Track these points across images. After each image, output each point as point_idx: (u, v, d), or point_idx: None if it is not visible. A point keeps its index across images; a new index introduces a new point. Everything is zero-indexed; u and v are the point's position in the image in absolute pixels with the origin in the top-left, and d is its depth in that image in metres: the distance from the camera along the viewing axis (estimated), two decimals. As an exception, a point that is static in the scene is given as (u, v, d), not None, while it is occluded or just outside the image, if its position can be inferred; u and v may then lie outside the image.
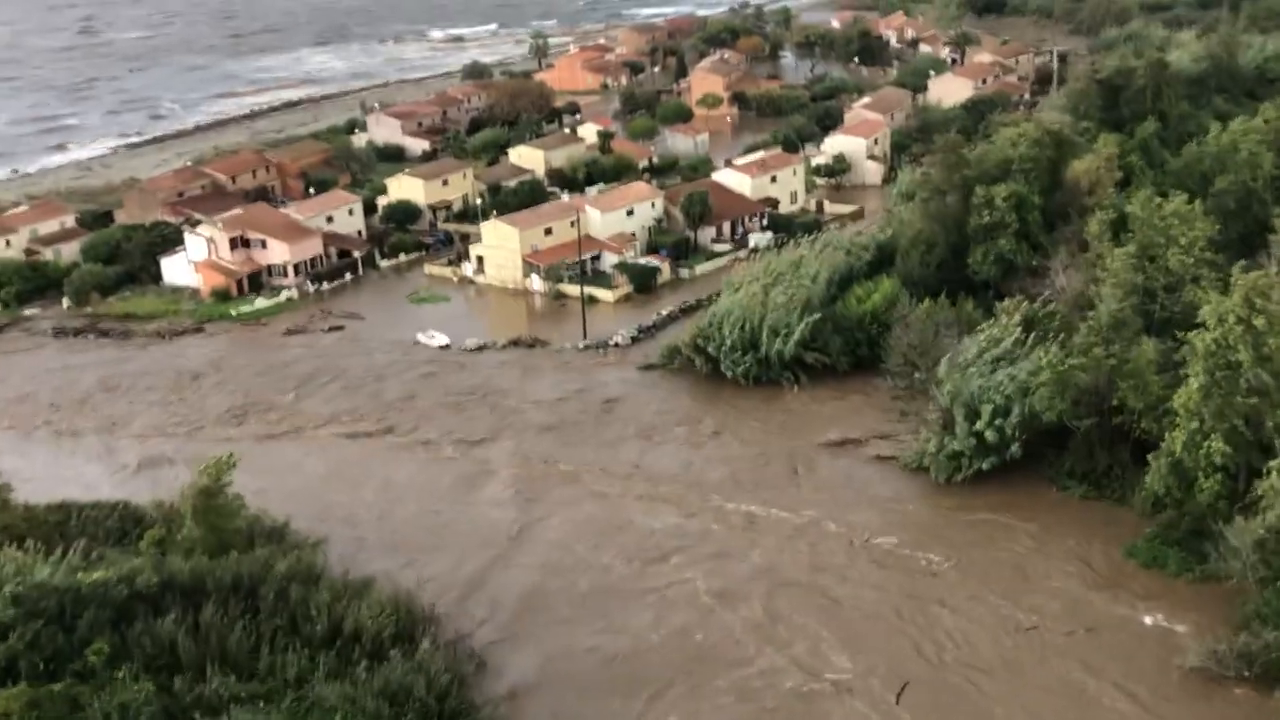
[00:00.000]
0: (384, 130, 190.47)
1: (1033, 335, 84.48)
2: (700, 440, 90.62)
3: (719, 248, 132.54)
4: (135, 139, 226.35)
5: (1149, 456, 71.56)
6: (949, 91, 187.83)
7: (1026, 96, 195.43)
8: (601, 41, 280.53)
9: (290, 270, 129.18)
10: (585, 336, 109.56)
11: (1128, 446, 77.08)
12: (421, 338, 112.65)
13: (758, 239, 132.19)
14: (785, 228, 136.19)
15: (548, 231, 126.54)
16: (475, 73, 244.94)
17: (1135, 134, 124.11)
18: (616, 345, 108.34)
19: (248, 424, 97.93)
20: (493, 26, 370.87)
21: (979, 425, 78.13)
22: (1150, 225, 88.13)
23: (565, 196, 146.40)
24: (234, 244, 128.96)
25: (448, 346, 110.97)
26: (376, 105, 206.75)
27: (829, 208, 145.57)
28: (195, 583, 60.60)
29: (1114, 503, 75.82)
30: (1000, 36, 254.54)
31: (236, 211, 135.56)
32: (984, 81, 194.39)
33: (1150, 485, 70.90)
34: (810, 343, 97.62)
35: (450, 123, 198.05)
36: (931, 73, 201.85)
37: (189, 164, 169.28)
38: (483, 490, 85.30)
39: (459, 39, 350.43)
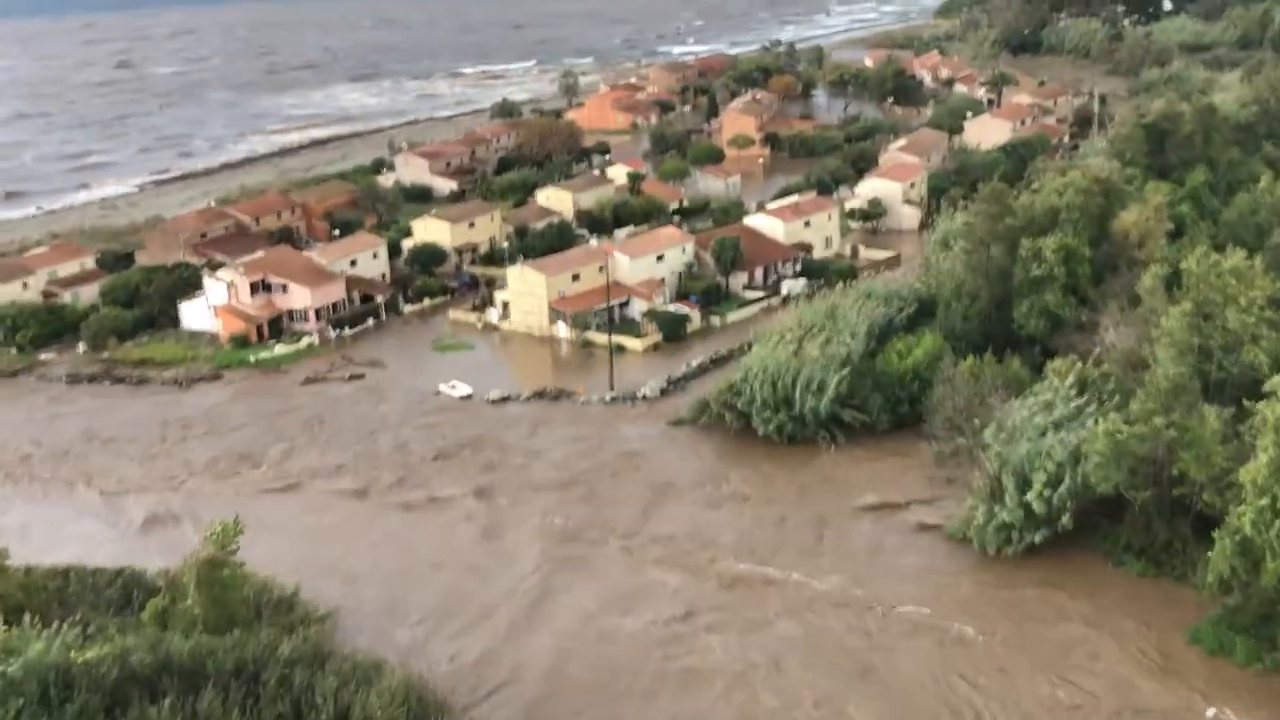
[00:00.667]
0: (411, 170, 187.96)
1: (1086, 398, 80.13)
2: (727, 501, 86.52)
3: (751, 294, 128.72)
4: (162, 176, 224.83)
5: (1213, 533, 66.94)
6: (987, 133, 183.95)
7: (1066, 139, 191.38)
8: (632, 80, 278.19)
9: (312, 315, 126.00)
10: (612, 388, 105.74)
11: (1189, 520, 72.53)
12: (444, 388, 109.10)
13: (791, 286, 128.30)
14: (819, 274, 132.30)
15: (575, 277, 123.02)
16: (505, 111, 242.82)
17: (1185, 182, 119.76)
18: (644, 398, 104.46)
19: (259, 478, 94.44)
20: (530, 63, 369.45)
21: (1029, 496, 73.74)
22: (1206, 282, 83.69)
23: (593, 240, 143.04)
24: (254, 288, 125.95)
25: (470, 397, 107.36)
26: (404, 145, 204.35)
27: (864, 253, 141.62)
28: (195, 664, 56.74)
29: (1174, 581, 71.16)
30: (1037, 77, 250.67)
31: (258, 255, 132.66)
32: (1022, 123, 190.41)
33: (1215, 564, 66.18)
34: (848, 400, 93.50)
35: (478, 163, 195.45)
36: (969, 114, 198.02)
37: (213, 204, 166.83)
38: (499, 553, 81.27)
39: (493, 75, 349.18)
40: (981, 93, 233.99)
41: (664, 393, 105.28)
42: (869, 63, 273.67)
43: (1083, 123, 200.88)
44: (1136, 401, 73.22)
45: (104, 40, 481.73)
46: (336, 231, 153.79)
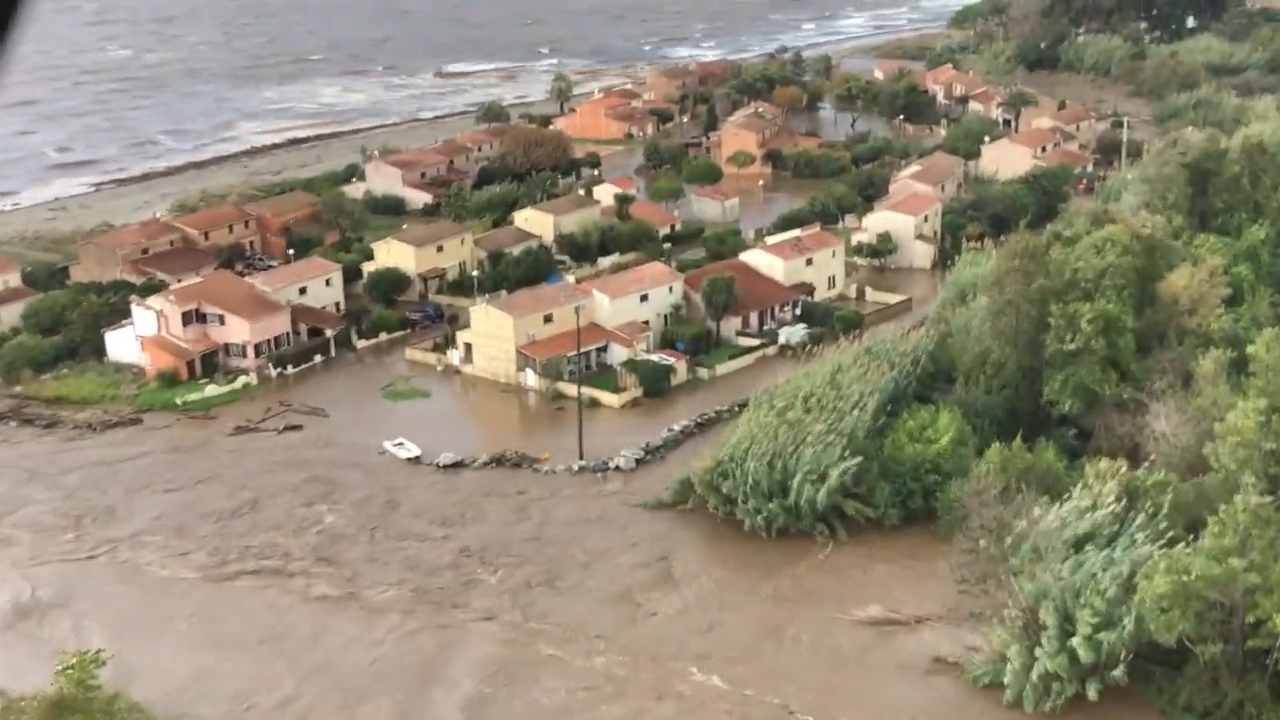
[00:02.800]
0: (383, 180, 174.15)
1: (1136, 512, 66.71)
2: (706, 607, 73.49)
3: (745, 341, 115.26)
4: (121, 176, 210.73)
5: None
6: (1006, 160, 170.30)
7: (1090, 168, 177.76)
8: (629, 86, 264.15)
9: (250, 351, 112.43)
10: (581, 456, 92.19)
11: (1265, 678, 59.27)
12: (389, 446, 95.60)
13: (789, 334, 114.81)
14: (821, 320, 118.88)
15: (547, 319, 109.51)
16: (491, 115, 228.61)
17: (1234, 233, 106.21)
18: (618, 469, 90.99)
19: (160, 559, 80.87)
20: (529, 63, 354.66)
21: (1074, 641, 60.32)
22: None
23: (570, 277, 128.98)
24: (188, 318, 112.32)
25: (418, 459, 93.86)
26: (375, 153, 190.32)
27: (871, 295, 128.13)
28: None
29: (1249, 757, 57.93)
30: (1055, 95, 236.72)
31: (193, 280, 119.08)
32: (1043, 149, 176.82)
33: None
34: (851, 488, 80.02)
35: (456, 174, 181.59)
36: (986, 138, 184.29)
37: (159, 215, 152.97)
38: (433, 669, 67.97)
39: (489, 74, 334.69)
40: (998, 113, 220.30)
41: (640, 463, 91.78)
42: (879, 74, 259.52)
43: (1107, 150, 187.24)
44: (1209, 535, 59.78)
45: (103, 22, 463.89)
46: (291, 251, 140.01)
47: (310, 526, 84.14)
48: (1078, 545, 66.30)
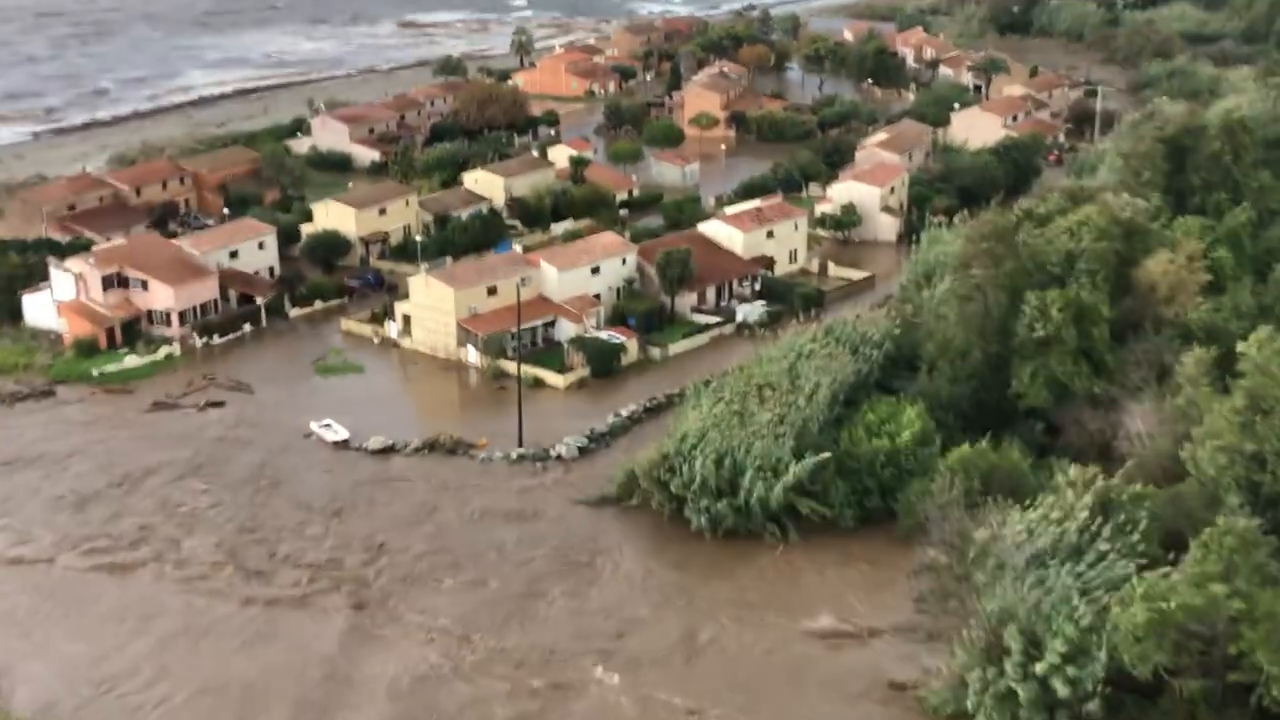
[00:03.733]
0: (329, 135, 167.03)
1: (1108, 524, 61.55)
2: (624, 607, 68.53)
3: (701, 318, 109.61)
4: (61, 125, 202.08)
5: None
6: (976, 128, 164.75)
7: (1062, 138, 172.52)
8: (591, 41, 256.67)
9: (175, 319, 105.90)
10: (521, 442, 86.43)
11: (1247, 715, 54.37)
12: (316, 428, 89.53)
13: (747, 311, 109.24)
14: (781, 296, 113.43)
15: (491, 291, 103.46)
16: (448, 69, 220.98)
17: (1220, 218, 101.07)
18: (559, 457, 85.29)
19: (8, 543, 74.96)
20: (498, 15, 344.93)
21: (1041, 667, 55.31)
22: (1269, 374, 65.27)
23: (518, 246, 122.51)
24: (108, 283, 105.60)
25: (346, 443, 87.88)
26: (321, 106, 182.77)
27: (834, 270, 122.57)
28: None
29: (1228, 798, 53.19)
30: (1027, 61, 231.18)
31: (118, 241, 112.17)
32: (1014, 118, 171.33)
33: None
34: (806, 486, 74.65)
35: (406, 130, 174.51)
36: (955, 104, 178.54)
37: (87, 169, 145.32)
38: (340, 691, 62.42)
39: (453, 24, 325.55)
40: (968, 78, 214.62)
41: (584, 451, 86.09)
42: (848, 35, 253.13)
43: (1080, 119, 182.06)
44: (1192, 560, 54.77)
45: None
46: (226, 210, 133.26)
47: (237, 520, 77.98)
48: (1042, 559, 61.22)
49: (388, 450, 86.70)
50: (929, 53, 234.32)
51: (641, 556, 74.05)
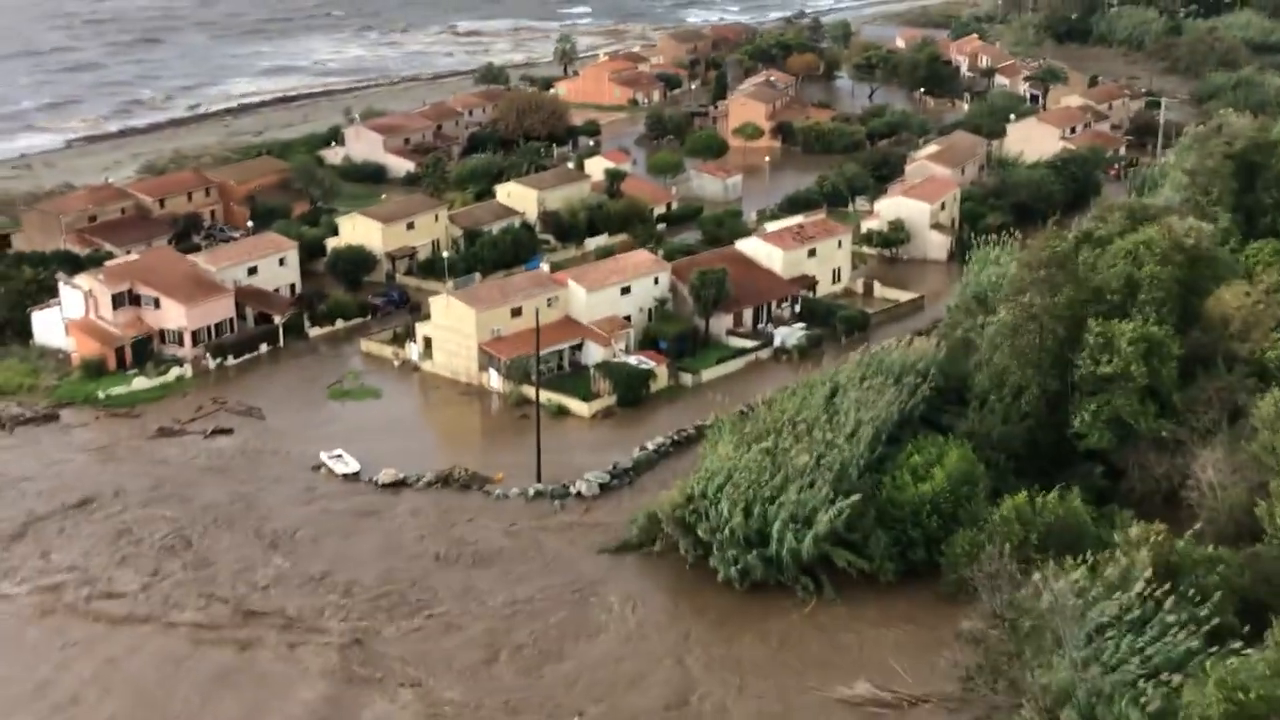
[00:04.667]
0: (363, 145, 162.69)
1: (1175, 592, 55.28)
2: (623, 662, 62.88)
3: (737, 342, 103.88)
4: (95, 132, 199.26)
5: None
6: (1032, 141, 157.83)
7: (1122, 151, 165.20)
8: (637, 49, 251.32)
9: (187, 338, 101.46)
10: (539, 478, 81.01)
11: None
12: (326, 459, 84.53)
13: (786, 335, 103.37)
14: (823, 318, 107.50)
15: (515, 312, 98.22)
16: (489, 77, 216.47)
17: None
18: (579, 495, 79.81)
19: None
20: (580, 17, 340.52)
21: (1100, 760, 49.31)
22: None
23: (545, 265, 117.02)
24: (119, 300, 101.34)
25: (356, 475, 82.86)
26: (356, 116, 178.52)
27: (880, 291, 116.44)
28: None
29: None
30: (1085, 70, 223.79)
31: (128, 257, 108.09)
32: (1072, 130, 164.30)
33: None
34: (843, 534, 68.71)
35: (444, 139, 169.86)
36: (1011, 116, 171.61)
37: (108, 179, 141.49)
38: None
39: (500, 32, 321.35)
40: (1025, 88, 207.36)
41: (605, 488, 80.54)
42: (901, 43, 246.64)
43: (1141, 131, 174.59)
44: (1273, 638, 48.54)
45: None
46: (250, 224, 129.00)
47: (229, 563, 73.14)
48: (1103, 630, 55.05)
49: (399, 484, 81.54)
50: (984, 61, 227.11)
51: (657, 607, 68.35)
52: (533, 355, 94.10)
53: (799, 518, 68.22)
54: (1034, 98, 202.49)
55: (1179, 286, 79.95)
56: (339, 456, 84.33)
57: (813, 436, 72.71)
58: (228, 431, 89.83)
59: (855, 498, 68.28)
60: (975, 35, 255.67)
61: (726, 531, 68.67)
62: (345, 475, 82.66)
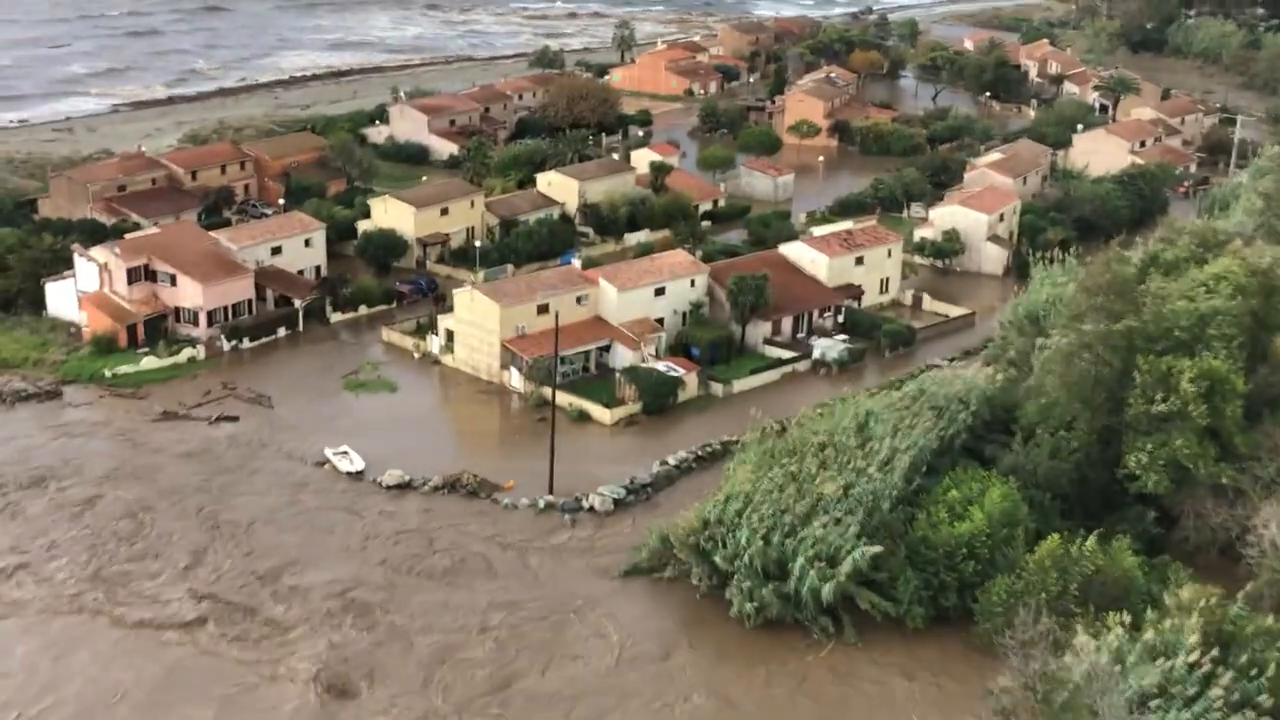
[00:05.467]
0: (407, 125, 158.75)
1: (1228, 665, 49.94)
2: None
3: (773, 351, 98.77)
4: (141, 97, 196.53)
5: None
6: (1099, 153, 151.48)
7: (1193, 169, 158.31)
8: (696, 39, 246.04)
9: (203, 318, 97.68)
10: (551, 489, 76.39)
11: None
12: (331, 455, 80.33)
13: (825, 348, 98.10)
14: (867, 331, 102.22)
15: (542, 309, 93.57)
16: (544, 61, 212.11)
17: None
18: (591, 509, 75.11)
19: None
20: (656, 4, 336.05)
21: None
22: None
23: (577, 261, 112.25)
24: (134, 275, 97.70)
25: (361, 475, 78.59)
26: (402, 94, 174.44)
27: (929, 304, 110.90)
28: None
29: None
30: (1158, 82, 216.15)
31: (149, 230, 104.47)
32: (1142, 144, 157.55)
33: None
34: (868, 574, 63.58)
35: (490, 123, 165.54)
36: (1079, 126, 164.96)
37: (141, 148, 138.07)
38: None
39: (561, 15, 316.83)
40: (1094, 97, 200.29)
41: (619, 504, 75.77)
42: (969, 45, 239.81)
43: (1214, 149, 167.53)
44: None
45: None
46: (282, 201, 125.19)
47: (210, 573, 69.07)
48: (1145, 699, 49.78)
49: (404, 487, 77.18)
50: (1054, 67, 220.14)
51: (653, 637, 63.30)
52: (560, 354, 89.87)
53: (823, 554, 63.17)
54: (1103, 108, 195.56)
55: (1252, 320, 74.12)
56: (345, 453, 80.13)
57: (842, 463, 67.67)
58: (233, 419, 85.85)
59: (877, 549, 62.80)
60: (1046, 40, 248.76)
61: (745, 560, 63.79)
62: (350, 473, 78.38)
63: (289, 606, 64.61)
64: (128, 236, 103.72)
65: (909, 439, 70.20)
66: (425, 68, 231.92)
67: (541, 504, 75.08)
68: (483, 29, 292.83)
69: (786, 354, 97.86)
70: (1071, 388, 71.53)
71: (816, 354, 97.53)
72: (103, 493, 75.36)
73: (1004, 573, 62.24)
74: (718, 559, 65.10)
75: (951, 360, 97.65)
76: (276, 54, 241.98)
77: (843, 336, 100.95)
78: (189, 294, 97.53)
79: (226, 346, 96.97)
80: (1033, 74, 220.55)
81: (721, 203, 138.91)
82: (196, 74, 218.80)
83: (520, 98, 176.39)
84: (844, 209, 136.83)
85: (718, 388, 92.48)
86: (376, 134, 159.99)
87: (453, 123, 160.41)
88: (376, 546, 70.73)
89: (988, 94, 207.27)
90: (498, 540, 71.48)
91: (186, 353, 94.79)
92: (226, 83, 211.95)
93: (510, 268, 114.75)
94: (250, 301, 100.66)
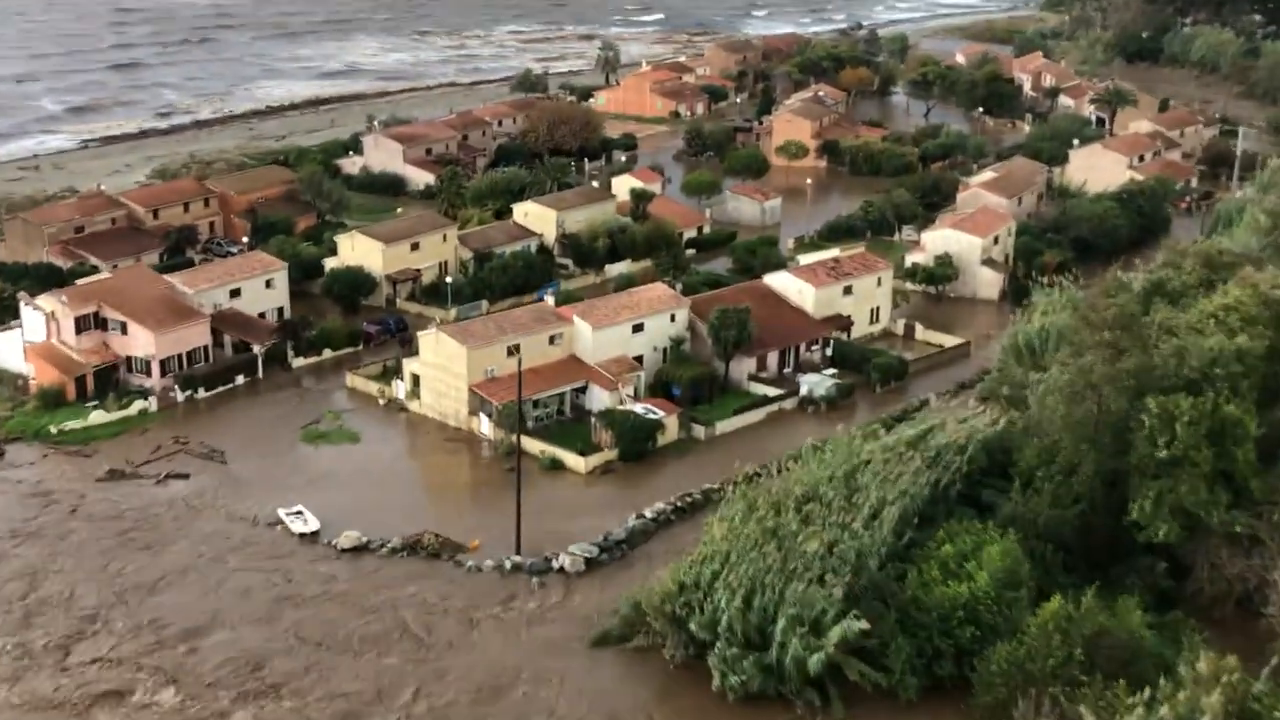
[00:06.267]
0: (382, 155, 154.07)
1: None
2: None
3: (758, 388, 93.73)
4: (111, 132, 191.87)
5: None
6: (1097, 169, 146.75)
7: (1194, 183, 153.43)
8: (682, 59, 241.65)
9: (155, 368, 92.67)
10: (518, 548, 71.23)
11: None
12: (285, 516, 75.22)
13: (813, 384, 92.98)
14: (857, 364, 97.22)
15: (512, 350, 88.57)
16: (526, 84, 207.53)
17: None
18: (562, 570, 69.92)
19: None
20: (659, 16, 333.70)
21: None
22: None
23: (550, 299, 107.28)
24: (83, 324, 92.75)
25: (316, 536, 73.45)
26: (375, 124, 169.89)
27: (922, 334, 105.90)
28: None
29: None
30: (1156, 93, 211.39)
31: (100, 276, 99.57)
32: (1140, 159, 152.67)
33: None
34: (859, 639, 58.33)
35: (469, 151, 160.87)
36: (1075, 141, 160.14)
37: (101, 187, 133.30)
38: None
39: (548, 38, 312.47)
40: (1090, 110, 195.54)
41: (592, 563, 70.58)
42: (961, 59, 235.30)
43: (1215, 161, 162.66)
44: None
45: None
46: (246, 239, 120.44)
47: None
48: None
49: (361, 548, 72.03)
50: (1048, 80, 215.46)
51: (615, 711, 58.25)
52: (525, 401, 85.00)
53: (805, 619, 58.01)
54: (1100, 121, 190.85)
55: (1265, 353, 69.12)
56: (299, 513, 75.00)
57: (825, 517, 62.56)
58: (183, 476, 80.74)
59: (866, 626, 57.53)
60: (1040, 52, 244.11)
61: (723, 627, 58.63)
62: (303, 535, 73.27)
63: (174, 681, 59.34)
64: (79, 282, 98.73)
65: (897, 488, 65.09)
66: (407, 94, 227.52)
67: (508, 565, 69.93)
68: (469, 53, 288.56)
69: (772, 391, 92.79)
70: (1074, 430, 66.43)
71: (804, 391, 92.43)
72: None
73: (1004, 638, 57.04)
74: (693, 626, 59.98)
75: (945, 394, 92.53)
76: (256, 84, 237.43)
77: (831, 371, 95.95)
78: (140, 342, 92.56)
79: (181, 397, 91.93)
80: (1027, 88, 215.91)
81: (706, 229, 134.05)
82: (173, 107, 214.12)
83: (500, 124, 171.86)
84: (833, 232, 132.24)
85: (699, 430, 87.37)
86: (350, 165, 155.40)
87: (429, 151, 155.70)
88: (292, 612, 65.42)
89: (980, 109, 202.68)
90: (443, 606, 66.17)
91: (137, 405, 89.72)
92: (201, 115, 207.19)
93: (484, 304, 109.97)
94: (206, 348, 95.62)
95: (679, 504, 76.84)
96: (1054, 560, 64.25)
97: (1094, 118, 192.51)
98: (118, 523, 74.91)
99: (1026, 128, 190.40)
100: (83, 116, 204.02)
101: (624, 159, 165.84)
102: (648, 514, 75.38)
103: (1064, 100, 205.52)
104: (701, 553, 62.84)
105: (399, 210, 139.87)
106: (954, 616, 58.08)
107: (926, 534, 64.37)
